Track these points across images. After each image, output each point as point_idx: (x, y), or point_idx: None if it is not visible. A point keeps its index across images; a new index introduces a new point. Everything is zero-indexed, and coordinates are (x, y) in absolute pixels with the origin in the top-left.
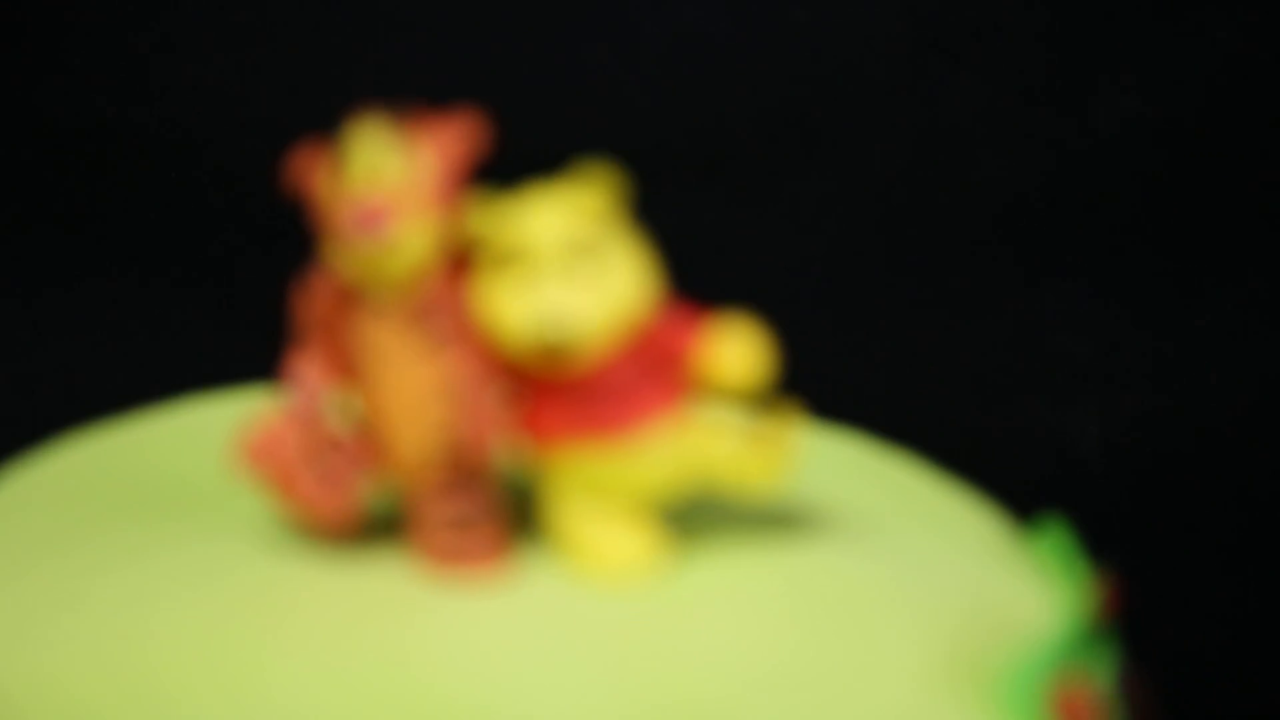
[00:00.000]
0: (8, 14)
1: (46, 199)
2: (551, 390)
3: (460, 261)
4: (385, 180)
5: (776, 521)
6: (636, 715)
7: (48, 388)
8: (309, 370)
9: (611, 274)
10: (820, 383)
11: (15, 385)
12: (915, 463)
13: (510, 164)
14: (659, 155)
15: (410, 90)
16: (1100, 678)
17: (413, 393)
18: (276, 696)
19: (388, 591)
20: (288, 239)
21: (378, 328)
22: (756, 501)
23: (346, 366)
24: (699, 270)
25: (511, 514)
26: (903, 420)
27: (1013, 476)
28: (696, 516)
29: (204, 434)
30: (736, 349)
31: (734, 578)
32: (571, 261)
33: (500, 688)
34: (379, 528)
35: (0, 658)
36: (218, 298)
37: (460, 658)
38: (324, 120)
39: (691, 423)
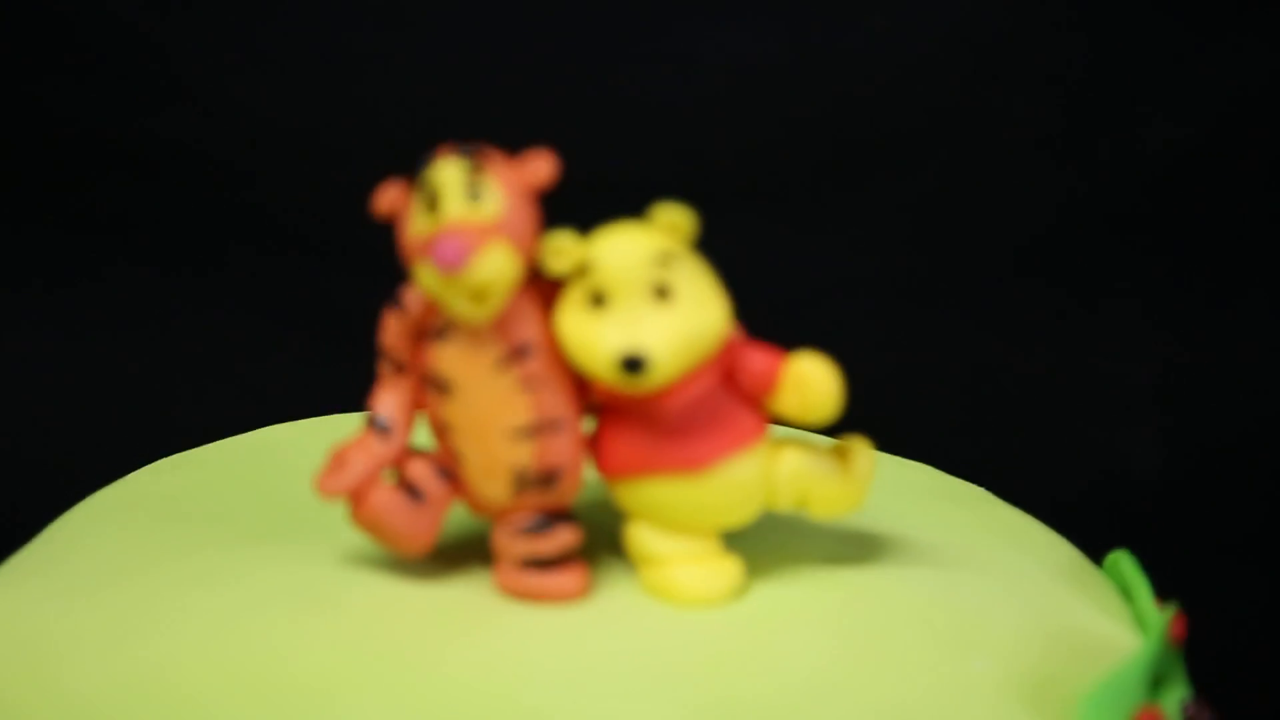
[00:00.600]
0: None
1: (145, 231)
2: (633, 423)
3: (542, 292)
4: (467, 214)
5: (854, 544)
6: None
7: (148, 412)
8: (392, 400)
9: (687, 304)
10: (872, 407)
11: (118, 408)
12: (982, 491)
13: (571, 190)
14: (714, 180)
15: (472, 120)
16: (1172, 702)
17: (495, 424)
18: (360, 707)
19: (470, 604)
20: (383, 269)
21: (461, 358)
22: (833, 524)
23: (430, 397)
24: (753, 294)
25: (592, 542)
26: (956, 445)
27: (1069, 500)
28: (776, 538)
29: (297, 456)
30: (815, 383)
31: (811, 600)
32: (649, 292)
33: (572, 703)
34: (467, 538)
35: (96, 664)
36: (314, 327)
37: (536, 671)
38: (408, 157)
39: (772, 453)
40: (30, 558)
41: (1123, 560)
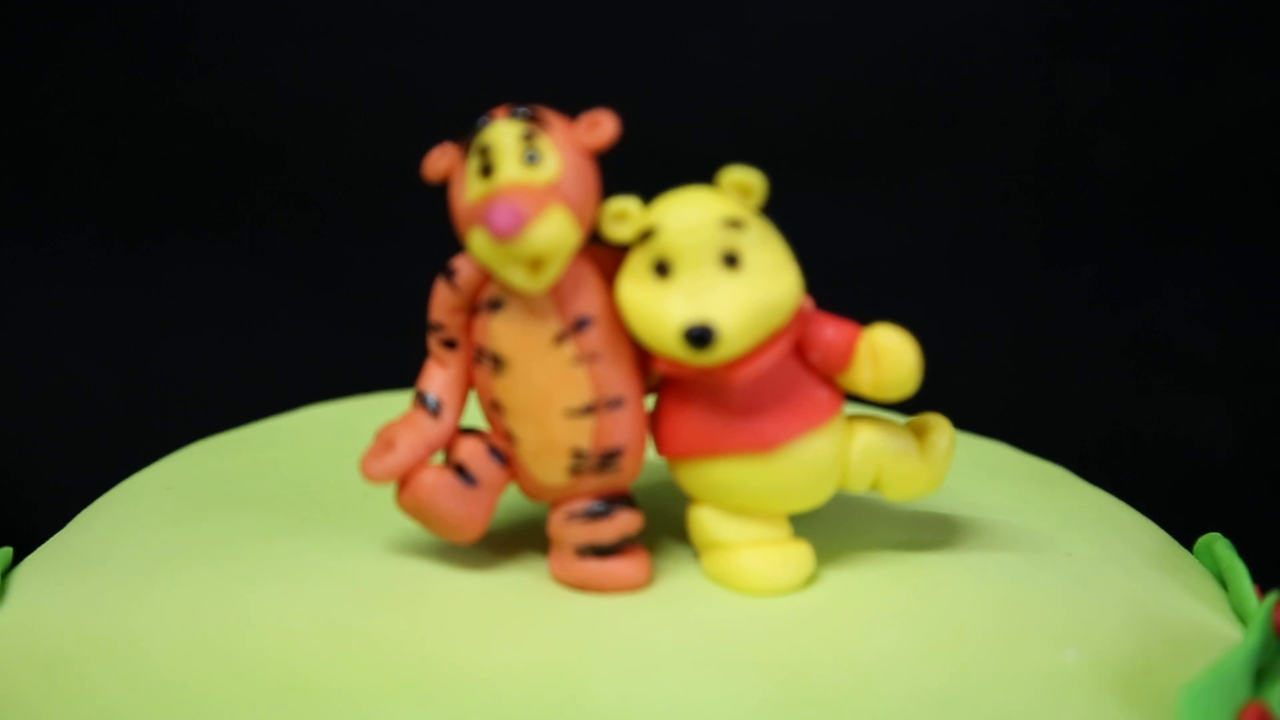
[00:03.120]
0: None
1: (187, 204)
2: (698, 400)
3: (603, 262)
4: (524, 178)
5: (931, 528)
6: None
7: (188, 393)
8: (442, 377)
9: (757, 272)
10: (942, 385)
11: (162, 388)
12: (1063, 470)
13: (629, 158)
14: (775, 151)
15: (522, 87)
16: (1278, 696)
17: (552, 402)
18: (405, 708)
19: (526, 594)
20: (431, 243)
21: (516, 332)
22: (909, 507)
23: (483, 374)
24: (818, 270)
25: (653, 526)
26: (1027, 421)
27: (1143, 476)
28: (850, 522)
29: (340, 437)
30: (893, 357)
31: (886, 588)
32: (716, 260)
33: (636, 698)
34: (522, 523)
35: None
36: (361, 303)
37: (595, 665)
38: (455, 125)
39: (847, 431)
40: (62, 547)
41: (1217, 544)
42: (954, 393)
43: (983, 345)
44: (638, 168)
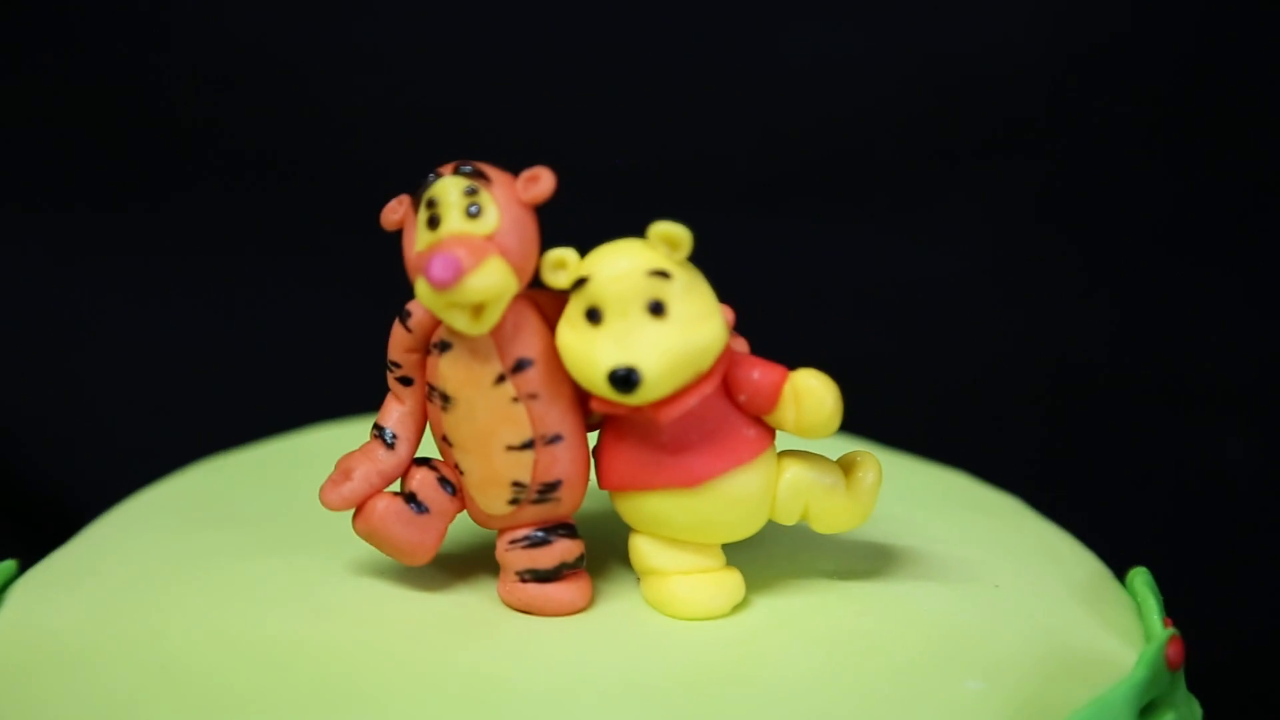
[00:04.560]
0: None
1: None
2: (631, 437)
3: (546, 307)
4: (465, 230)
5: (868, 556)
6: None
7: (232, 394)
8: (398, 412)
9: (681, 320)
10: (974, 399)
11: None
12: (1014, 501)
13: (665, 182)
14: (802, 178)
15: (532, 120)
16: None
17: (493, 438)
18: (359, 707)
19: (472, 614)
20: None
21: (461, 372)
22: (849, 536)
23: (433, 409)
24: (847, 290)
25: (605, 552)
26: (1051, 438)
27: (1163, 496)
28: (787, 550)
29: (331, 459)
30: (813, 399)
31: (811, 613)
32: (643, 308)
33: (547, 707)
34: (481, 547)
35: (110, 668)
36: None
37: (522, 682)
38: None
39: (778, 468)
40: (64, 559)
41: (1137, 578)
42: (969, 403)
43: (1002, 359)
44: (673, 190)
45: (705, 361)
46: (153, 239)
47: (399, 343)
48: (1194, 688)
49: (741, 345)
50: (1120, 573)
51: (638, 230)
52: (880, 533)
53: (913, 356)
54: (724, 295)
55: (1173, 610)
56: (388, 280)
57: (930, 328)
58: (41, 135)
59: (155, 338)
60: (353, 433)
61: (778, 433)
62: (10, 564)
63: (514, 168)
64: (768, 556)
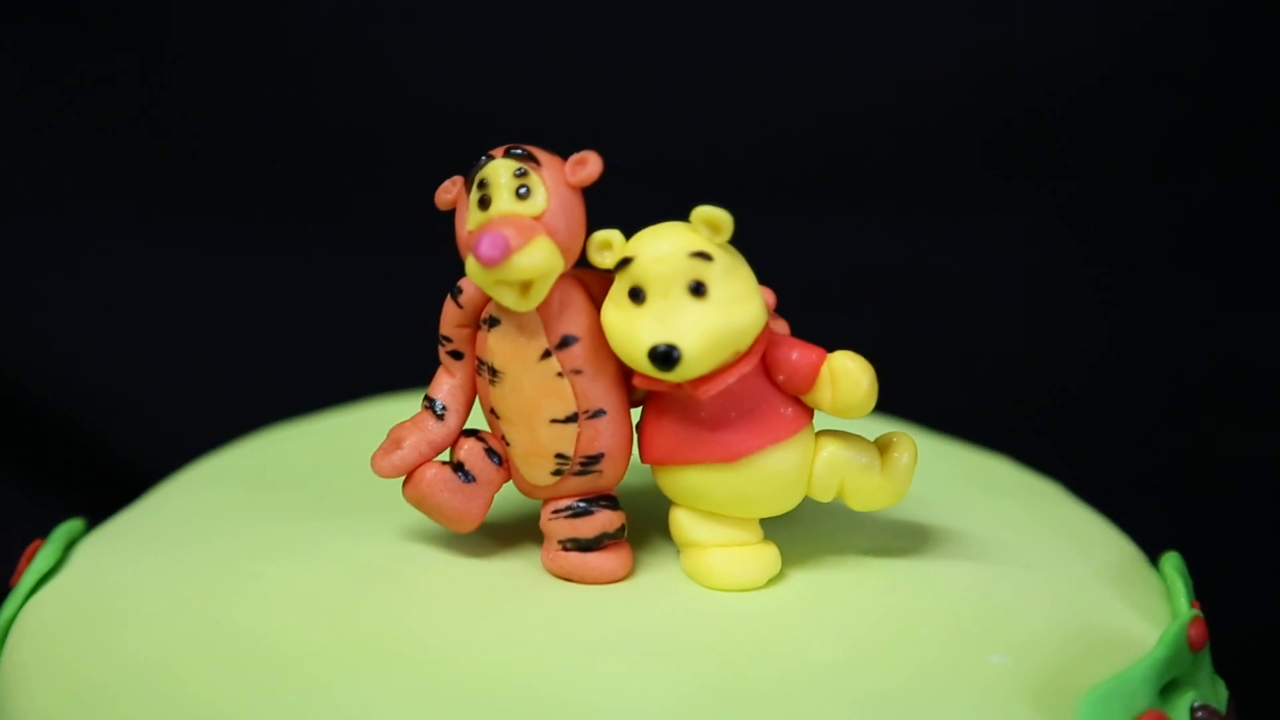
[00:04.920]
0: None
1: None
2: (672, 413)
3: (593, 286)
4: (515, 211)
5: (903, 535)
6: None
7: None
8: (448, 385)
9: (721, 301)
10: (1010, 400)
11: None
12: (1053, 486)
13: (713, 179)
14: (850, 172)
15: (573, 114)
16: (1183, 708)
17: (538, 411)
18: (366, 676)
19: (514, 581)
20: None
21: (508, 347)
22: (886, 515)
23: (482, 382)
24: (895, 290)
25: (648, 524)
26: (1092, 440)
27: (1202, 484)
28: (825, 528)
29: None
30: (848, 380)
31: (843, 589)
32: (684, 288)
33: (576, 677)
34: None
35: (160, 624)
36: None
37: (551, 646)
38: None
39: (815, 446)
40: (129, 520)
41: (1168, 562)
42: (1009, 403)
43: (1043, 362)
44: (724, 185)
45: (744, 341)
46: (228, 209)
47: (450, 318)
48: (1223, 672)
49: (782, 327)
50: (1155, 558)
51: (684, 215)
52: (917, 513)
53: (960, 344)
54: (768, 280)
55: (1204, 595)
56: (448, 259)
57: (978, 317)
58: (145, 117)
59: (230, 312)
60: (407, 406)
61: (816, 413)
62: (78, 522)
63: (565, 152)
64: (806, 533)
